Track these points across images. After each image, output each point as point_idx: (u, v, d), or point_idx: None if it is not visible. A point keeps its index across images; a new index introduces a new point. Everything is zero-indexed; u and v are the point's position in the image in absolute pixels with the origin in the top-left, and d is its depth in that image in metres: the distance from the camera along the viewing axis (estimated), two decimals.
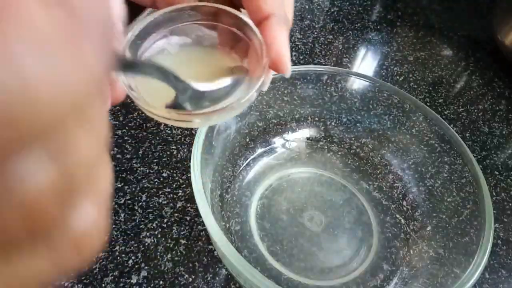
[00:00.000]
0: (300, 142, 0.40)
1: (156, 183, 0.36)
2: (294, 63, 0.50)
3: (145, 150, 0.38)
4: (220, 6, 0.21)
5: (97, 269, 0.30)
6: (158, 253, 0.32)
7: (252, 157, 0.38)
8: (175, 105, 0.18)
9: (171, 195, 0.35)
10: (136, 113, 0.42)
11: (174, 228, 0.33)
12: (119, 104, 0.42)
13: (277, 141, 0.39)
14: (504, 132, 0.47)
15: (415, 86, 0.51)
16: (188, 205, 0.35)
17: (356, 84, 0.38)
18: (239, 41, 0.22)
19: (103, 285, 0.29)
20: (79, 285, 0.29)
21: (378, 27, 0.59)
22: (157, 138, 0.40)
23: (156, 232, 0.33)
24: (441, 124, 0.35)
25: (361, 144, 0.40)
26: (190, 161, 0.28)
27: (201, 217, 0.25)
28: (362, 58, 0.54)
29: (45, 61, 0.07)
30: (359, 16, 0.60)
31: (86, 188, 0.09)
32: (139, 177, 0.36)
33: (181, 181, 0.37)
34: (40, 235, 0.09)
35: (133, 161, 0.37)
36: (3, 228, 0.08)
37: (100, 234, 0.10)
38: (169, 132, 0.40)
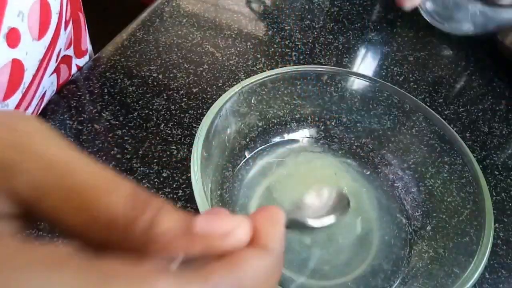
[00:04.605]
0: (300, 142, 0.40)
1: (156, 183, 0.36)
2: (294, 63, 0.50)
3: (145, 150, 0.38)
4: None
5: None
6: None
7: (252, 157, 0.38)
8: None
9: (171, 195, 0.35)
10: (136, 113, 0.42)
11: None
12: (119, 104, 0.42)
13: (277, 141, 0.39)
14: (504, 132, 0.47)
15: (415, 86, 0.51)
16: (188, 205, 0.35)
17: (356, 84, 0.38)
18: None
19: None
20: None
21: (378, 27, 0.59)
22: (157, 138, 0.40)
23: None
24: (441, 124, 0.35)
25: (361, 144, 0.40)
26: (190, 161, 0.28)
27: None
28: (362, 58, 0.54)
29: None
30: (359, 16, 0.60)
31: None
32: (139, 177, 0.36)
33: (181, 181, 0.37)
34: None
35: (133, 161, 0.37)
36: None
37: None
38: (169, 132, 0.40)
